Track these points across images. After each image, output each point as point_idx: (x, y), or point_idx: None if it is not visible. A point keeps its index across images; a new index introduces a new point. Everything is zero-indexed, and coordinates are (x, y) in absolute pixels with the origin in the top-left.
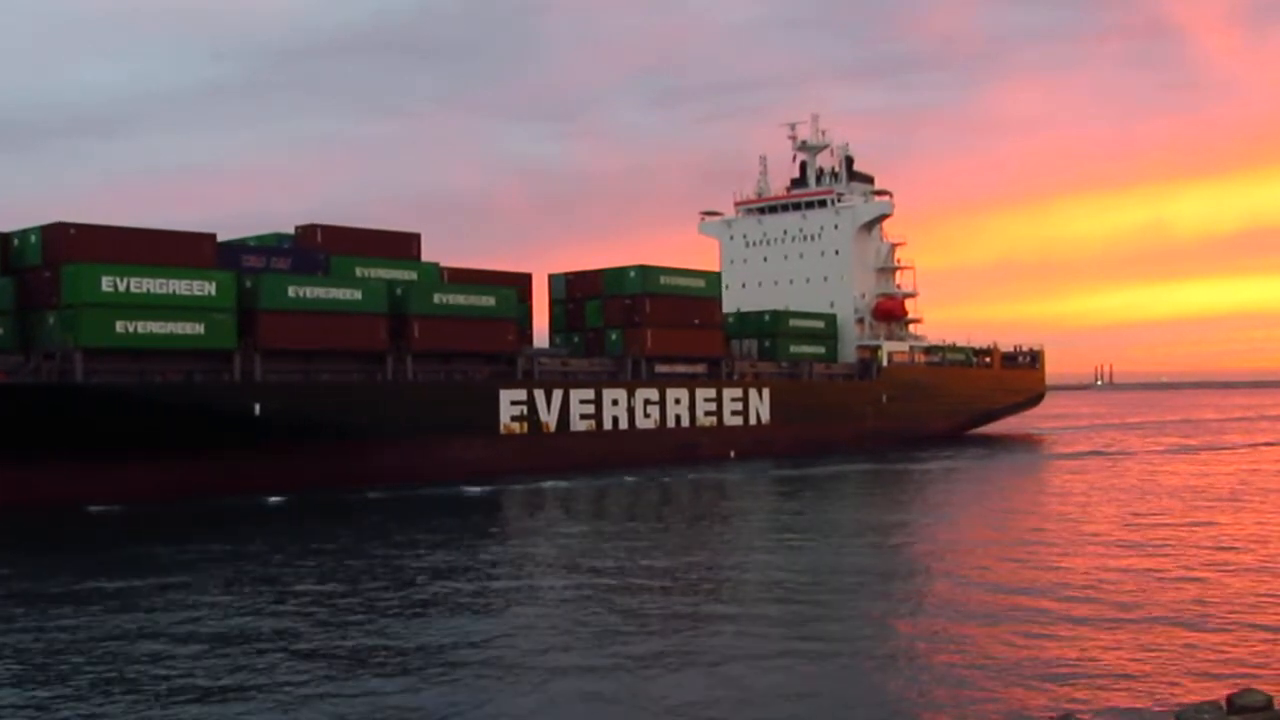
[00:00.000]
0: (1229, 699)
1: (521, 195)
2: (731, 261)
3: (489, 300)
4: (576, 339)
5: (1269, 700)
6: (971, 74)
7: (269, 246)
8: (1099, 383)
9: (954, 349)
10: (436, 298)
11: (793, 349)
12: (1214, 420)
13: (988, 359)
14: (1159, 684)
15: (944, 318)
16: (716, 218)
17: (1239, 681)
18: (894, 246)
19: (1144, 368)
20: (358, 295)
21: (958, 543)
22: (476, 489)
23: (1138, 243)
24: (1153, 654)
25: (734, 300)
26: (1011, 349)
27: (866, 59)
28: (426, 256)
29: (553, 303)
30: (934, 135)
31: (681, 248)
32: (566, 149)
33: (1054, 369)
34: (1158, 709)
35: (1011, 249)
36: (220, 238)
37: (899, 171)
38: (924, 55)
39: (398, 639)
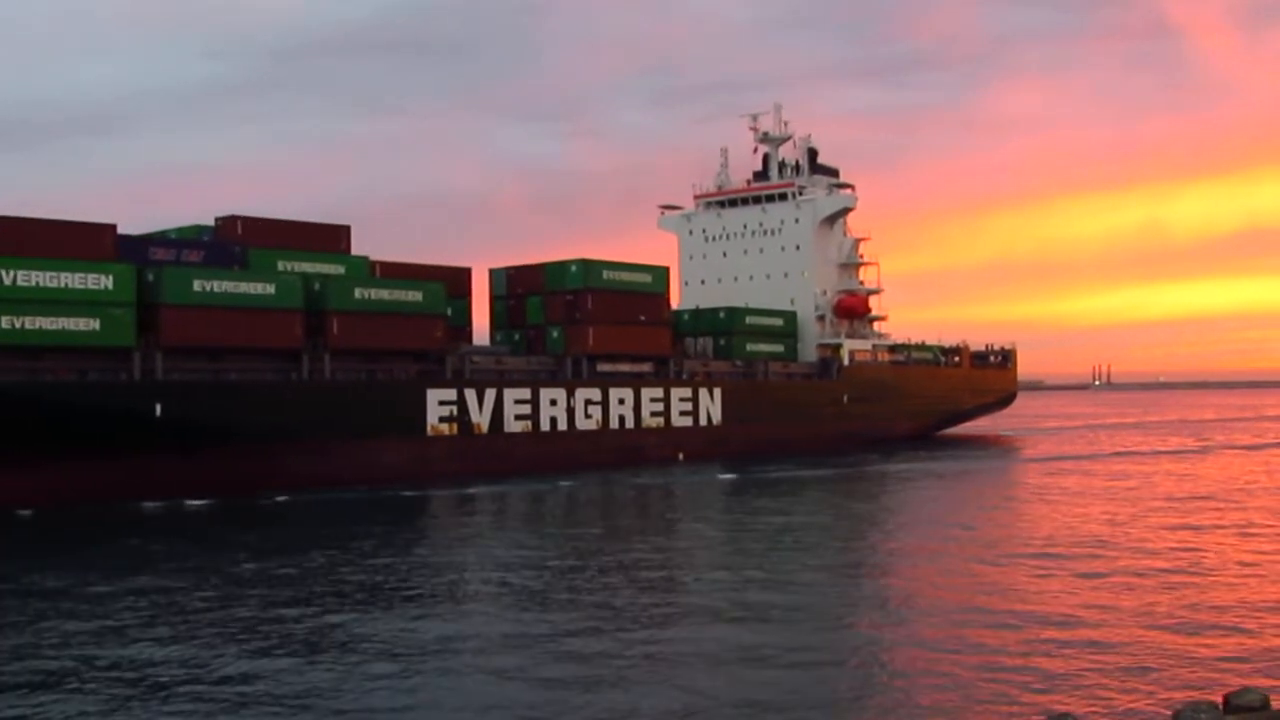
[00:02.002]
0: (1226, 698)
1: (520, 194)
2: (690, 257)
3: (415, 295)
4: (517, 336)
5: (1265, 700)
6: (971, 74)
7: (182, 240)
8: (1096, 383)
9: (920, 348)
10: (358, 293)
11: (749, 347)
12: (1212, 420)
13: (957, 358)
14: (1155, 684)
15: (939, 317)
16: (676, 212)
17: (1236, 681)
18: (858, 241)
19: (1142, 368)
20: (270, 290)
21: (934, 549)
22: (393, 494)
23: (1136, 243)
24: (1149, 654)
25: (693, 297)
26: (983, 348)
27: (866, 59)
28: (422, 254)
29: (493, 299)
30: (933, 135)
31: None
32: (566, 148)
33: (1051, 369)
34: (1154, 708)
35: (1010, 249)
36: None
37: (898, 171)
38: (923, 55)
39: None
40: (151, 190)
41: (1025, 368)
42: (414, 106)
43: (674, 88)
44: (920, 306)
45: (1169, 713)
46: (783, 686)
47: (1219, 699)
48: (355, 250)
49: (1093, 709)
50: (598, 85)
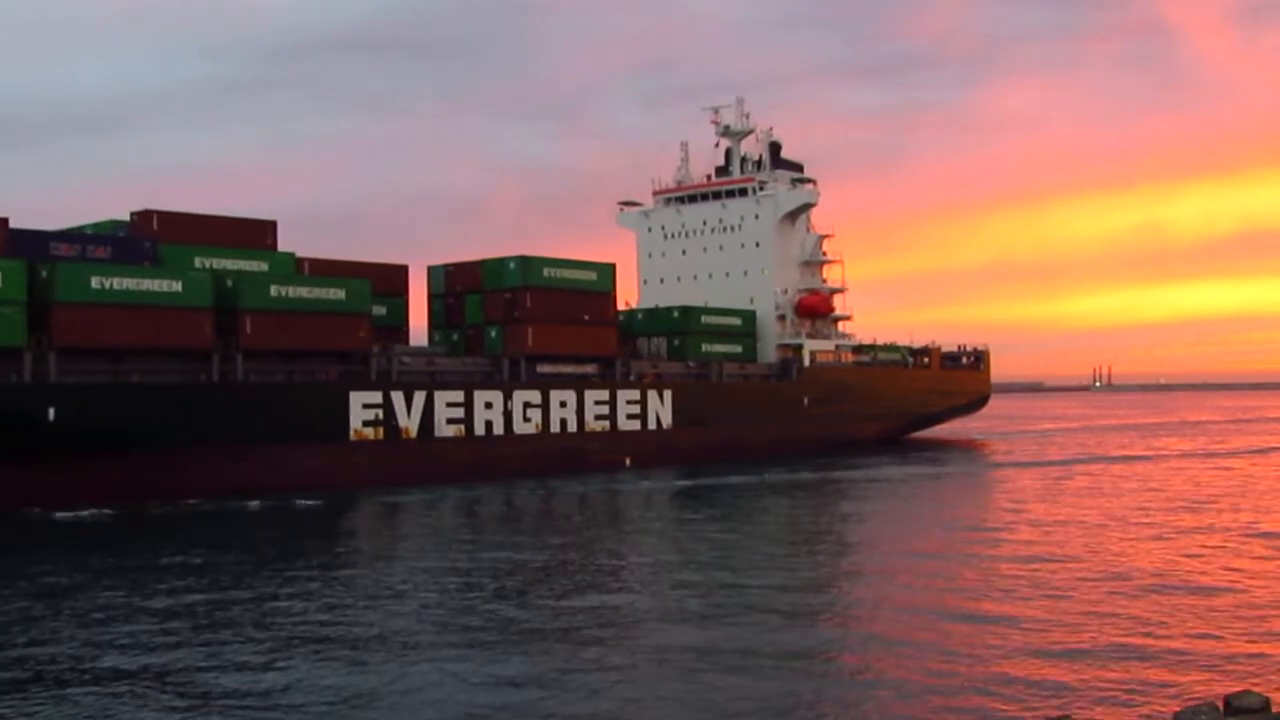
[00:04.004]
0: (1226, 700)
1: (518, 194)
2: (649, 255)
3: (338, 293)
4: (456, 337)
5: (1266, 702)
6: (967, 74)
7: (86, 235)
8: (1097, 384)
9: (888, 348)
10: (274, 290)
11: (705, 348)
12: (1213, 422)
13: (926, 359)
14: (1156, 686)
15: (934, 318)
16: (635, 208)
17: (1236, 683)
18: (821, 238)
19: (1142, 369)
20: (177, 287)
21: (920, 552)
22: (308, 501)
23: (1135, 244)
24: (1150, 656)
25: (652, 296)
26: (955, 348)
27: (862, 58)
28: (417, 253)
29: (431, 297)
30: (930, 135)
31: None
32: (564, 147)
33: (1051, 370)
34: (1155, 710)
35: (1008, 249)
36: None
37: (894, 171)
38: (920, 55)
39: None
40: (150, 190)
41: (1025, 369)
42: (412, 106)
43: (671, 88)
44: (916, 308)
45: (1170, 715)
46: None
47: (1220, 701)
48: (291, 246)
49: (1093, 711)
50: (596, 85)
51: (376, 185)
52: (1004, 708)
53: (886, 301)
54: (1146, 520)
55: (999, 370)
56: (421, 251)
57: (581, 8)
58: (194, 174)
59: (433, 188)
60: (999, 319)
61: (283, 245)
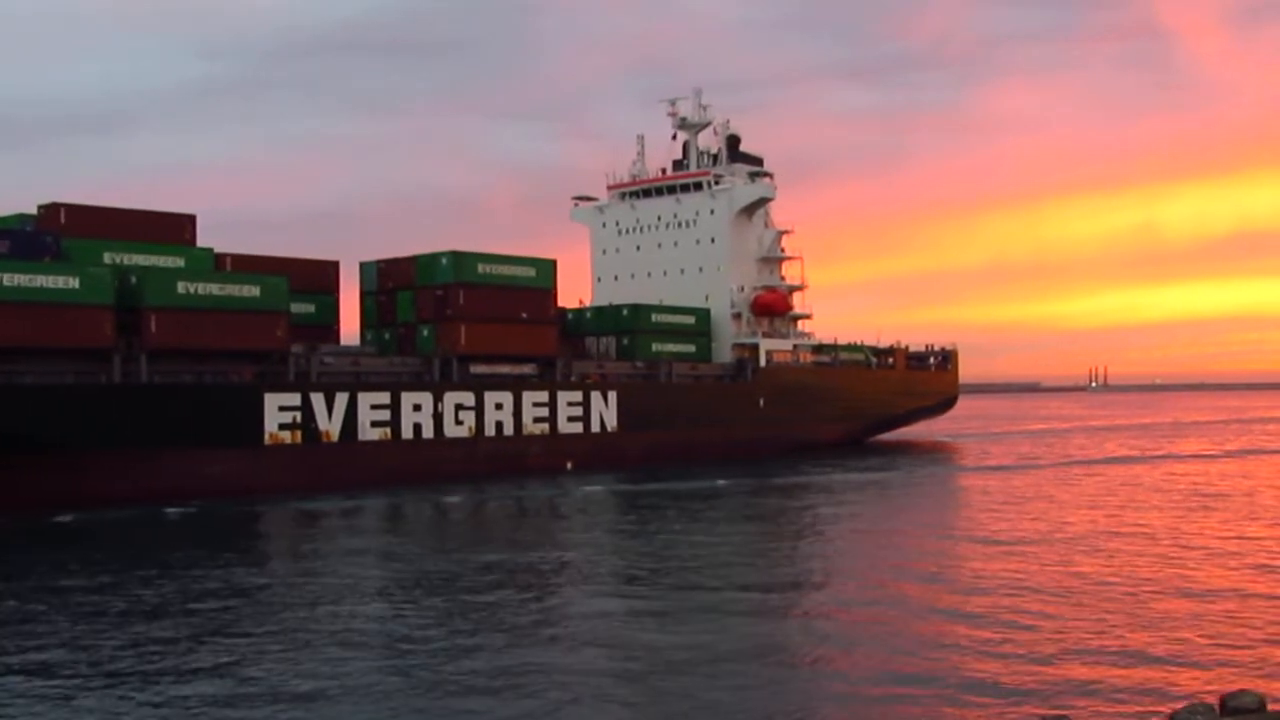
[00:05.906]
0: (1222, 700)
1: (517, 193)
2: (603, 251)
3: (252, 290)
4: (388, 336)
5: (1262, 702)
6: (966, 74)
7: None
8: (1093, 384)
9: (850, 348)
10: (181, 287)
11: (655, 347)
12: (1211, 423)
13: (890, 359)
14: (1153, 686)
15: (932, 318)
16: (589, 203)
17: (1232, 683)
18: (780, 234)
19: (1139, 369)
20: (74, 283)
21: (898, 556)
22: (210, 509)
23: (1132, 244)
24: (1146, 656)
25: (605, 294)
26: (923, 348)
27: (860, 59)
28: (407, 252)
29: (363, 295)
30: (928, 135)
31: None
32: (563, 148)
33: (1048, 370)
34: (1151, 710)
35: (1005, 249)
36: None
37: (891, 172)
38: (917, 56)
39: None
40: (149, 190)
41: (1022, 369)
42: (410, 106)
43: (669, 88)
44: (913, 307)
45: (1166, 715)
46: None
47: (1215, 701)
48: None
49: (1090, 711)
50: (595, 85)
51: (375, 185)
52: (1001, 707)
53: (883, 302)
54: (1138, 522)
55: (996, 370)
56: (413, 250)
57: (581, 8)
58: (193, 174)
59: (431, 187)
60: (996, 319)
61: (277, 244)
